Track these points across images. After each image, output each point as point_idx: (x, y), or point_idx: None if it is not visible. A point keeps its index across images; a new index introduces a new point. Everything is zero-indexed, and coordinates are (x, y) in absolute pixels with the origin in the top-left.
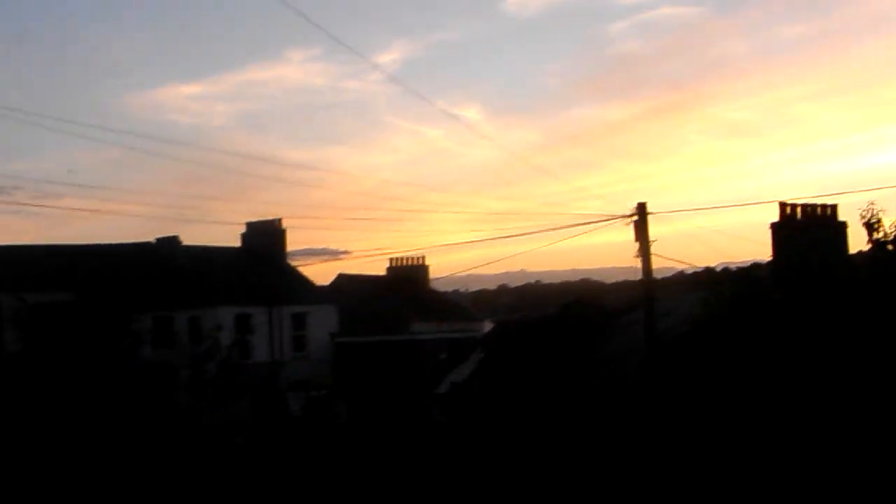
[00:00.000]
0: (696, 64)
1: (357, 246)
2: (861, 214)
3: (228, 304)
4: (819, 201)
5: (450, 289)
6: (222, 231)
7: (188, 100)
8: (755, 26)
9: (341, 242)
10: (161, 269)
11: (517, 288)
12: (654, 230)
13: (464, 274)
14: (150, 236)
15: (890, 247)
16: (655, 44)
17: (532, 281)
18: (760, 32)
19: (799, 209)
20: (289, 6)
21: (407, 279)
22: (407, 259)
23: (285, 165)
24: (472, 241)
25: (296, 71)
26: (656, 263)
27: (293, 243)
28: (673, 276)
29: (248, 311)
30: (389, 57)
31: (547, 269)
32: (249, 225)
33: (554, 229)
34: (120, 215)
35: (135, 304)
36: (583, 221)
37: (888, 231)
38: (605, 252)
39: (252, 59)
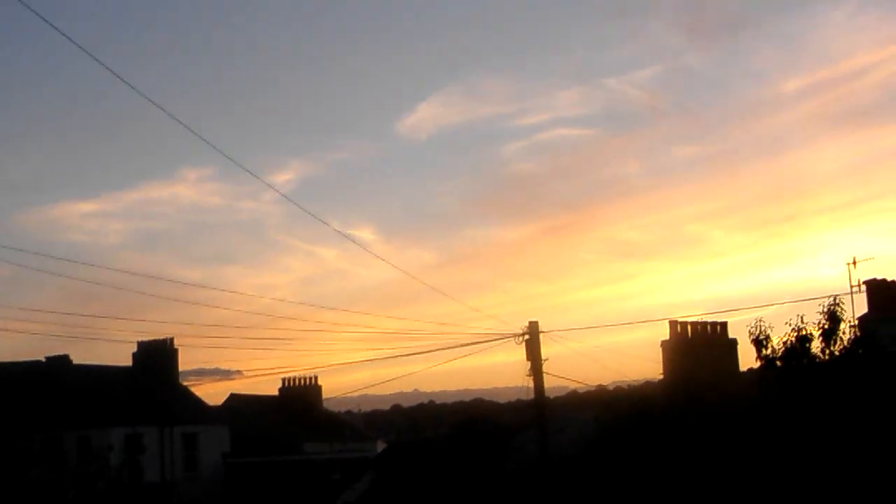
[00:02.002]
0: (590, 184)
1: (250, 365)
2: (750, 332)
3: (119, 423)
4: (710, 319)
5: (343, 409)
6: (114, 350)
7: (83, 217)
8: (649, 148)
9: (234, 362)
10: (51, 388)
11: (411, 408)
12: (546, 349)
13: (357, 394)
14: (39, 355)
15: (778, 363)
16: (550, 164)
17: (425, 401)
18: (654, 154)
19: (689, 327)
20: (183, 124)
21: (300, 399)
22: (300, 379)
23: (179, 284)
24: (365, 361)
25: (190, 190)
26: (549, 382)
27: (185, 363)
28: (566, 394)
29: (140, 430)
30: (284, 177)
31: (440, 388)
32: (141, 344)
33: (447, 348)
34: (9, 333)
35: (24, 424)
36: (475, 340)
37: (776, 347)
38: (499, 371)
39: (147, 178)
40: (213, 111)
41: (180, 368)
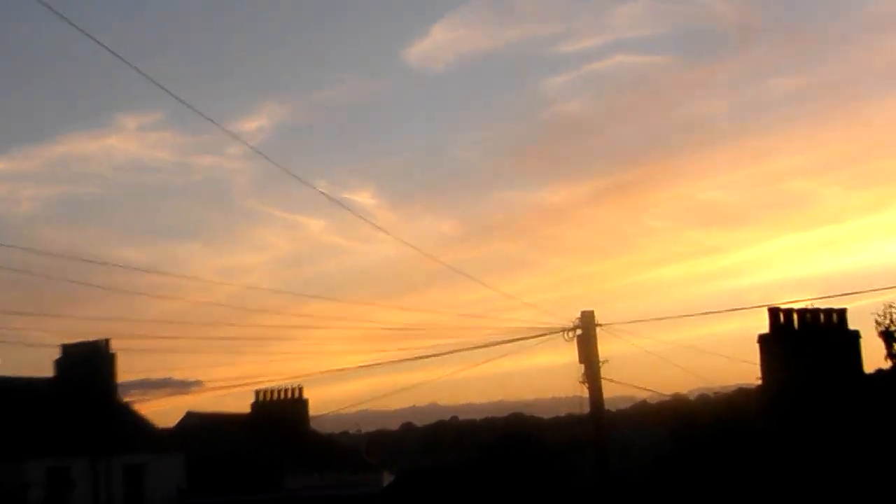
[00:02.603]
0: (661, 129)
1: (212, 374)
2: (877, 321)
3: (38, 454)
4: (823, 305)
5: (337, 430)
6: (30, 356)
7: None
8: (738, 80)
9: (191, 370)
10: None
11: (426, 427)
12: (605, 348)
13: (356, 410)
14: None
15: None
16: (607, 104)
17: (446, 417)
18: (745, 88)
19: (796, 316)
20: (114, 54)
21: (279, 418)
22: (279, 392)
23: (116, 268)
24: (365, 366)
25: (129, 142)
26: (609, 390)
27: (126, 372)
28: (632, 406)
29: (66, 462)
30: (254, 124)
31: (465, 401)
32: (66, 348)
33: (473, 348)
34: None
35: None
36: (511, 338)
37: None
38: (542, 378)
39: (71, 127)
40: (158, 40)
41: (119, 380)
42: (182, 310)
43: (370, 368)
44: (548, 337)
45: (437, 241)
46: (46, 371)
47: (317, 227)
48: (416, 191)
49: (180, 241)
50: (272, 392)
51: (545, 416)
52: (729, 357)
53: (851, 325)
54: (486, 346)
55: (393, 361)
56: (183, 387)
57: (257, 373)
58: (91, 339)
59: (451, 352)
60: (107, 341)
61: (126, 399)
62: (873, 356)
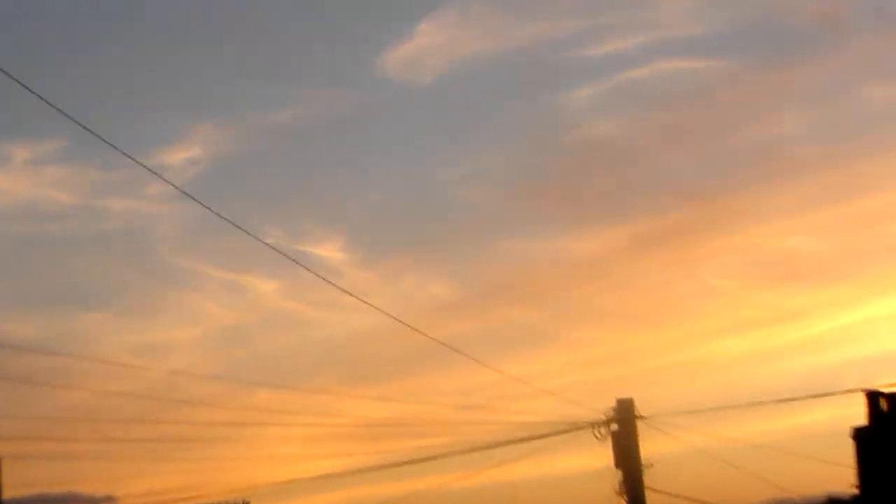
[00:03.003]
0: (724, 155)
1: (129, 488)
2: None
3: None
4: None
5: None
6: None
7: None
8: (822, 90)
9: (101, 482)
10: None
11: None
12: (648, 448)
13: None
14: None
15: None
16: (651, 122)
17: None
18: (831, 100)
19: None
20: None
21: None
22: None
23: None
24: (331, 475)
25: (16, 179)
26: (654, 502)
27: (16, 485)
28: None
29: None
30: (184, 155)
31: None
32: None
33: (475, 450)
34: None
35: None
36: (525, 436)
37: None
38: (566, 487)
39: None
40: (58, 49)
41: (6, 496)
42: (88, 402)
43: (337, 478)
44: (573, 434)
45: (426, 309)
46: None
47: (267, 290)
48: (397, 241)
49: (85, 310)
50: None
51: None
52: (814, 458)
53: None
54: (491, 447)
55: (367, 469)
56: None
57: (187, 485)
58: None
59: (446, 455)
60: None
61: None
62: None
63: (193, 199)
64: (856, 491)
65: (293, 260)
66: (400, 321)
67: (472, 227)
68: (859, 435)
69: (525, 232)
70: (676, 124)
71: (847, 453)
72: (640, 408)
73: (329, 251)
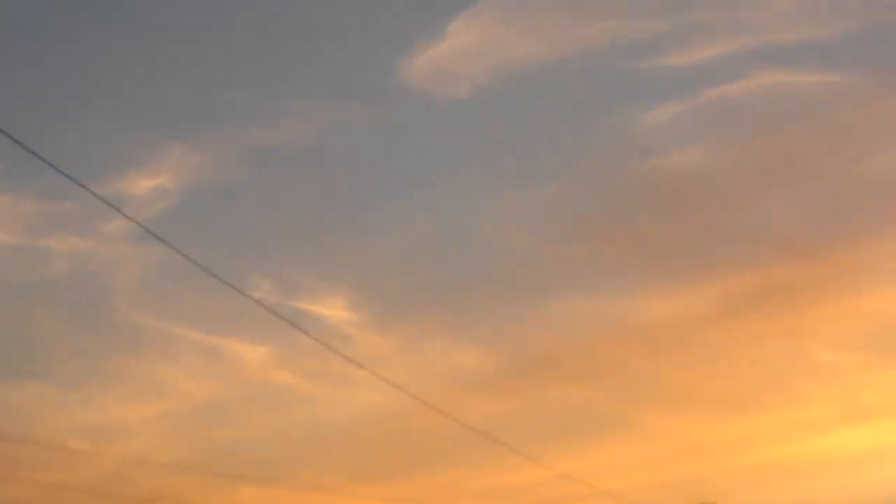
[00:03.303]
0: (841, 197)
1: None
2: None
3: None
4: None
5: None
6: None
7: None
8: None
9: None
10: None
11: None
12: None
13: None
14: None
15: None
16: (744, 152)
17: None
18: None
19: None
20: None
21: None
22: None
23: None
24: None
25: None
26: None
27: None
28: None
29: None
30: (149, 184)
31: None
32: None
33: None
34: None
35: None
36: None
37: None
38: None
39: None
40: None
41: None
42: (24, 497)
43: None
44: None
45: (454, 385)
46: None
47: (253, 357)
48: (418, 298)
49: (19, 378)
50: None
51: None
52: None
53: None
54: None
55: None
56: None
57: None
58: None
59: None
60: None
61: None
62: None
63: (161, 239)
64: None
65: (287, 320)
66: (421, 400)
67: (513, 280)
68: None
69: (581, 288)
70: (781, 154)
71: None
72: None
73: (332, 309)
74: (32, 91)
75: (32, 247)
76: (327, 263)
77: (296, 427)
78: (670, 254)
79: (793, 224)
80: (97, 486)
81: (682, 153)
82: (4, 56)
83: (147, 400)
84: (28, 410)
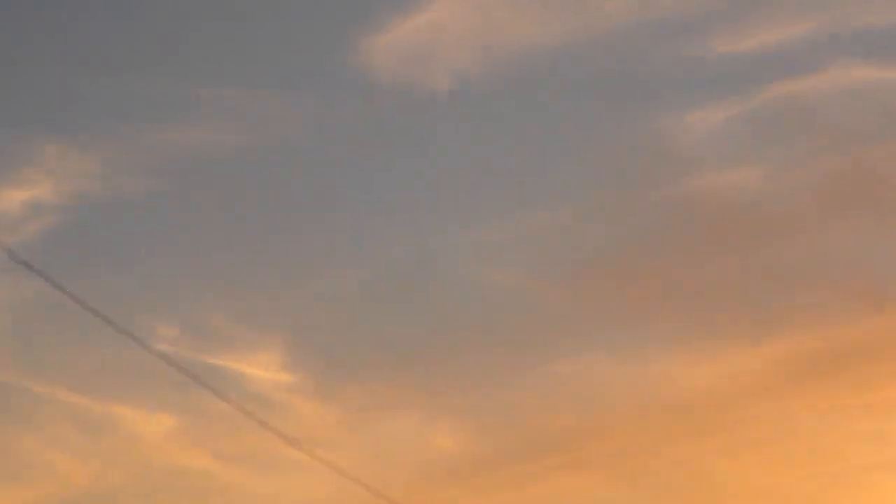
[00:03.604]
0: None
1: None
2: None
3: None
4: None
5: None
6: None
7: None
8: None
9: None
10: None
11: None
12: None
13: None
14: None
15: None
16: (816, 168)
17: None
18: None
19: None
20: None
21: None
22: None
23: None
24: None
25: None
26: None
27: None
28: None
29: None
30: (19, 196)
31: None
32: None
33: None
34: None
35: None
36: None
37: None
38: None
39: None
40: None
41: None
42: None
43: None
44: None
45: (423, 474)
46: None
47: (156, 431)
48: (375, 357)
49: None
50: None
51: None
52: None
53: None
54: None
55: None
56: None
57: None
58: None
59: None
60: None
61: None
62: None
63: (34, 270)
64: None
65: (200, 381)
66: (378, 494)
67: (504, 334)
68: None
69: (594, 347)
70: (864, 174)
71: None
72: None
73: (261, 368)
74: None
75: None
76: (256, 306)
77: None
78: (712, 303)
79: (878, 267)
80: None
81: (730, 170)
82: None
83: (8, 486)
84: None
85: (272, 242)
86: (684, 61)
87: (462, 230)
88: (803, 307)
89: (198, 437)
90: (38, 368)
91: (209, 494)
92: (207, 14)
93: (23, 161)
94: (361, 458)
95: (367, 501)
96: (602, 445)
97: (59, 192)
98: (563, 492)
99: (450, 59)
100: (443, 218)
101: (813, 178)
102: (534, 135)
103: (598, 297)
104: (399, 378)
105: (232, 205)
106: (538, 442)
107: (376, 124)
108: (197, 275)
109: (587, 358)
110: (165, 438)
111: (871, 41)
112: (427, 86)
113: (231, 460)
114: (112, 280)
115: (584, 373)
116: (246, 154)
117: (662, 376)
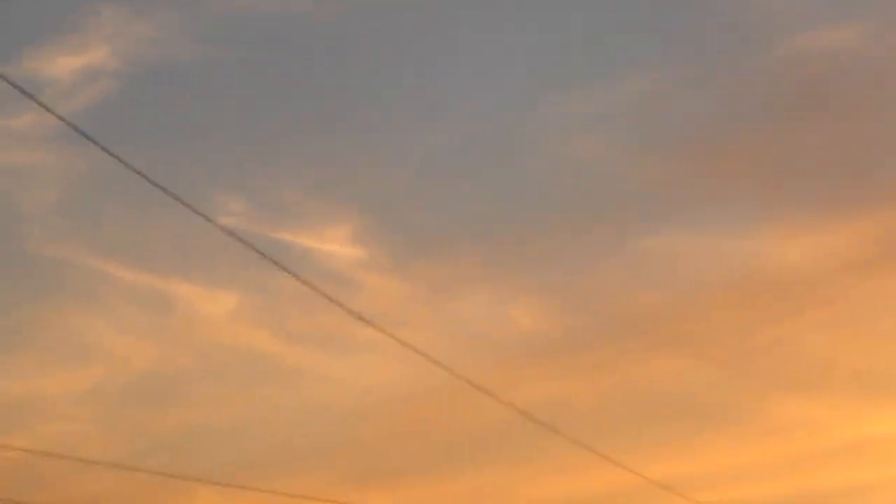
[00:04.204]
0: None
1: None
2: None
3: None
4: None
5: None
6: None
7: None
8: None
9: None
10: None
11: None
12: None
13: None
14: None
15: None
16: None
17: None
18: None
19: None
20: None
21: None
22: None
23: None
24: None
25: None
26: None
27: None
28: None
29: None
30: (70, 62)
31: None
32: None
33: None
34: None
35: None
36: None
37: None
38: None
39: None
40: None
41: None
42: None
43: None
44: None
45: (500, 352)
46: None
47: (218, 311)
48: (452, 232)
49: None
50: None
51: None
52: None
53: None
54: None
55: None
56: None
57: None
58: None
59: None
60: None
61: None
62: None
63: (90, 139)
64: None
65: (267, 257)
66: (453, 373)
67: (587, 210)
68: None
69: (683, 222)
70: None
71: None
72: None
73: (333, 244)
74: None
75: None
76: (326, 178)
77: (276, 410)
78: (810, 175)
79: None
80: None
81: (838, 28)
82: None
83: (66, 368)
84: None
85: (345, 112)
86: None
87: (546, 99)
88: None
89: (264, 317)
90: (97, 245)
91: (275, 376)
92: None
93: (76, 24)
94: (437, 337)
95: (443, 381)
96: (690, 325)
97: (117, 58)
98: (649, 374)
99: None
100: (528, 88)
101: None
102: (624, 3)
103: (687, 171)
104: (477, 254)
105: (296, 70)
106: (623, 322)
107: None
108: (265, 146)
109: (674, 234)
110: (229, 318)
111: None
112: None
113: (299, 340)
114: (174, 151)
115: (669, 250)
116: (308, 15)
117: (754, 253)
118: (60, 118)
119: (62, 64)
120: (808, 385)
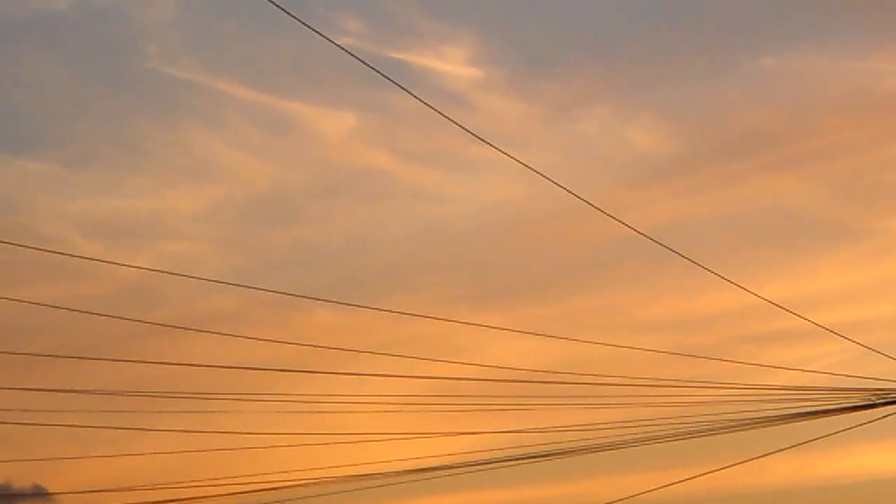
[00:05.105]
0: None
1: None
2: None
3: None
4: None
5: None
6: None
7: None
8: None
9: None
10: None
11: None
12: None
13: None
14: None
15: None
16: None
17: None
18: None
19: None
20: None
21: None
22: None
23: None
24: (431, 470)
25: None
26: None
27: None
28: None
29: None
30: None
31: None
32: None
33: (693, 435)
34: None
35: None
36: (792, 412)
37: None
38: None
39: None
40: None
41: None
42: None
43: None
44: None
45: (619, 172)
46: None
47: (336, 130)
48: (571, 51)
49: (6, 158)
50: None
51: None
52: None
53: None
54: (726, 428)
55: (491, 461)
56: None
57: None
58: None
59: (640, 439)
60: None
61: None
62: None
63: None
64: None
65: (385, 76)
66: (571, 193)
67: (710, 22)
68: None
69: (806, 38)
70: None
71: None
72: None
73: (450, 63)
74: None
75: None
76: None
77: (393, 229)
78: None
79: None
80: (115, 303)
81: None
82: None
83: (185, 186)
84: (18, 199)
85: None
86: None
87: None
88: None
89: (381, 136)
90: (215, 64)
91: (391, 195)
92: None
93: None
94: (554, 157)
95: (561, 201)
96: (810, 145)
97: None
98: (767, 195)
99: None
100: None
101: None
102: None
103: None
104: (595, 72)
105: None
106: (742, 141)
107: None
108: None
109: (797, 50)
110: (347, 137)
111: None
112: None
113: (415, 159)
114: None
115: (792, 66)
116: None
117: (876, 72)
118: None
119: None
120: None
